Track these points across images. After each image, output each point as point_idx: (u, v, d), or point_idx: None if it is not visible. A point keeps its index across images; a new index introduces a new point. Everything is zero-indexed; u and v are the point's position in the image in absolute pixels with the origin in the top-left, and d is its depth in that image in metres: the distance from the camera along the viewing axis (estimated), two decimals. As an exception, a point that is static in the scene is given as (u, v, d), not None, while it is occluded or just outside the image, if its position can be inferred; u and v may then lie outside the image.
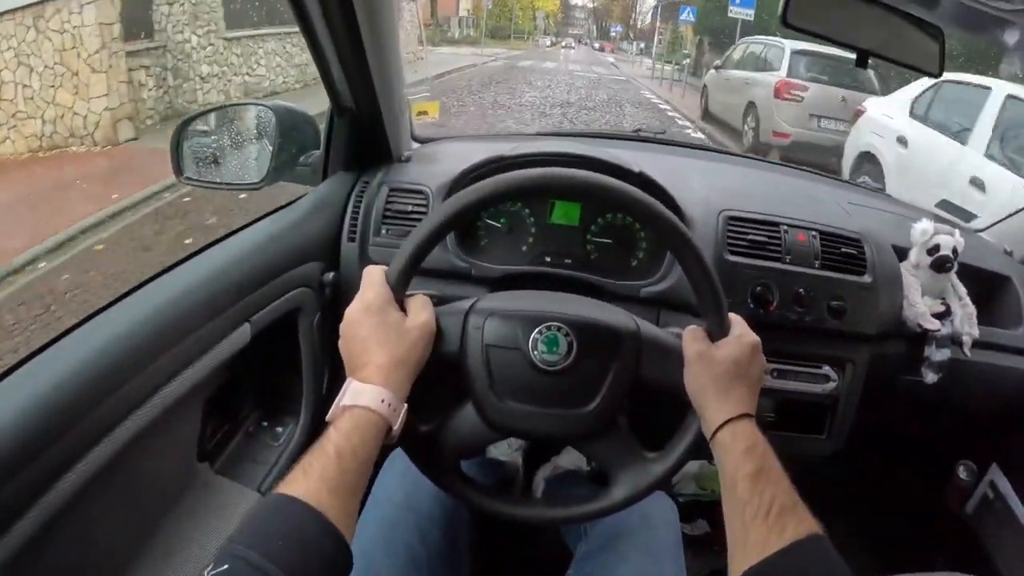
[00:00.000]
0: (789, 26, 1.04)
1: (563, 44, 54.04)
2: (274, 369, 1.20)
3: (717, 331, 0.77)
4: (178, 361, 0.87)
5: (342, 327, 0.74)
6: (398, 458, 1.00)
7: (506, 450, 1.56)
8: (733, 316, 0.80)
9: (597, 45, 61.95)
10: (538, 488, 1.48)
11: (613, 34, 61.28)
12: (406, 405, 0.71)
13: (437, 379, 0.78)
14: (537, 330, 0.77)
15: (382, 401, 0.67)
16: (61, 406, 0.71)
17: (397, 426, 0.69)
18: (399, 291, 0.75)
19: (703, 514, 1.57)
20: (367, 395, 0.67)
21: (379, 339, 0.71)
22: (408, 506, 0.96)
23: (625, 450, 0.81)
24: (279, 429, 1.17)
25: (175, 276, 0.96)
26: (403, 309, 0.75)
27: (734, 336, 0.77)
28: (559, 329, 0.77)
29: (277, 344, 1.16)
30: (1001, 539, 1.43)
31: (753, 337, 0.79)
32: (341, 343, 0.74)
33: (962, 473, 1.52)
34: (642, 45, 49.66)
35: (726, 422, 0.72)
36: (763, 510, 0.65)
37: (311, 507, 0.58)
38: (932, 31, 1.08)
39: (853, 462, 1.37)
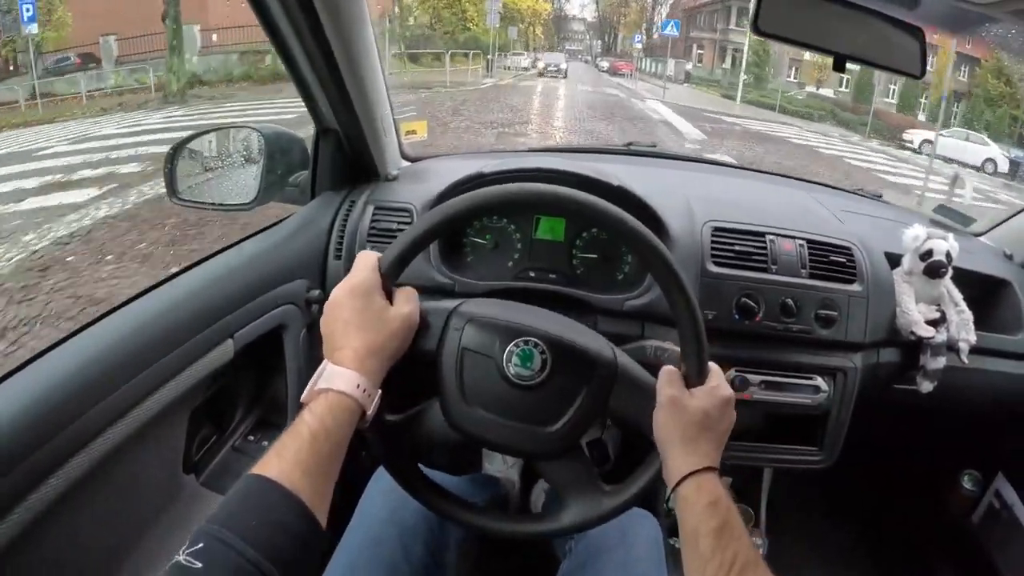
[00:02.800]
0: (761, 34, 1.03)
1: (544, 67, 30.18)
2: (261, 384, 1.22)
3: (694, 378, 0.76)
4: (161, 375, 0.90)
5: (326, 306, 0.74)
6: (383, 475, 1.00)
7: (501, 466, 1.55)
8: (712, 366, 0.78)
9: (605, 64, 40.28)
10: (538, 502, 1.48)
11: (638, 44, 39.26)
12: (380, 391, 0.71)
13: (411, 373, 0.78)
14: (514, 342, 0.77)
15: (357, 386, 0.67)
16: (45, 415, 0.73)
17: (371, 411, 0.69)
18: (389, 279, 0.75)
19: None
20: (342, 379, 0.67)
21: (360, 323, 0.71)
22: (392, 521, 0.96)
23: (582, 477, 0.80)
24: (265, 443, 1.19)
25: (162, 292, 0.99)
26: (390, 298, 0.75)
27: (709, 387, 0.76)
28: (535, 345, 0.76)
29: (265, 359, 1.18)
30: (1008, 550, 1.39)
31: (728, 391, 0.77)
32: (322, 322, 0.74)
33: (967, 483, 1.48)
34: (687, 67, 34.07)
35: (690, 474, 0.71)
36: (725, 568, 0.64)
37: (285, 488, 0.58)
38: (912, 31, 1.07)
39: (854, 473, 1.34)
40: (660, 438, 0.75)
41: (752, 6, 1.03)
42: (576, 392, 0.77)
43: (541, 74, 30.06)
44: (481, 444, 0.80)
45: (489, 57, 27.41)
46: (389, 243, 1.19)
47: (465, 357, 0.77)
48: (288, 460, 0.60)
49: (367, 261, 0.75)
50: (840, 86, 25.23)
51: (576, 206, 0.75)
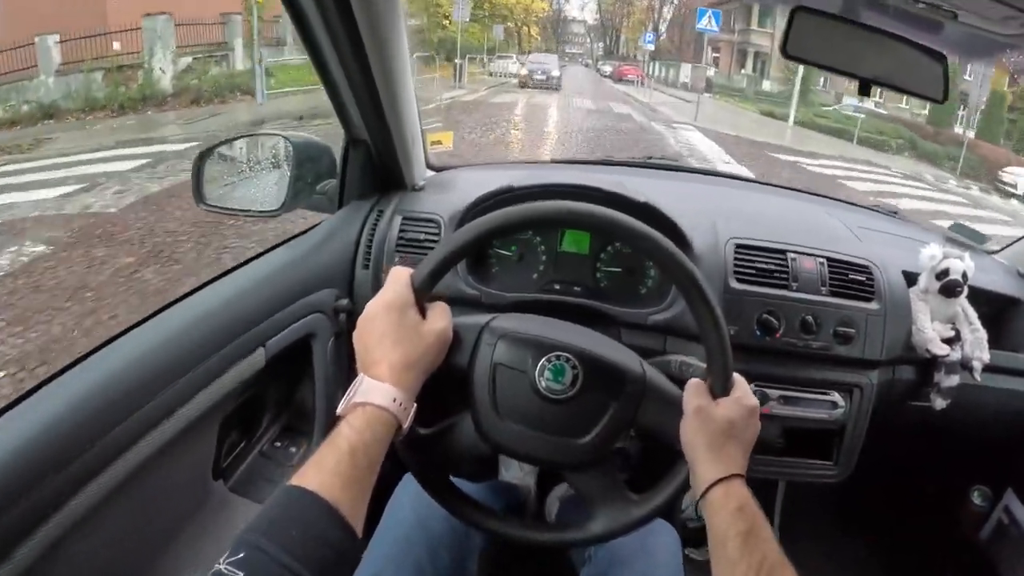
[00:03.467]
0: (790, 57, 1.05)
1: (528, 74, 22.34)
2: (289, 392, 1.24)
3: (720, 389, 0.78)
4: (195, 384, 0.91)
5: (360, 320, 0.74)
6: (410, 481, 1.02)
7: (518, 473, 1.57)
8: (737, 377, 0.81)
9: (608, 69, 34.35)
10: (552, 510, 1.49)
11: (649, 44, 32.56)
12: (415, 405, 0.72)
13: (443, 387, 0.80)
14: (546, 357, 0.78)
15: (394, 400, 0.68)
16: (81, 424, 0.75)
17: (406, 424, 0.70)
18: (422, 295, 0.75)
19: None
20: (379, 393, 0.68)
21: (395, 338, 0.72)
22: (420, 527, 0.98)
23: (610, 487, 0.83)
24: (292, 449, 1.21)
25: (194, 301, 1.01)
26: (424, 313, 0.76)
27: (734, 397, 0.78)
28: (567, 360, 0.78)
29: (292, 367, 1.20)
30: (1017, 566, 1.42)
31: (753, 400, 0.80)
32: (356, 336, 0.74)
33: (976, 499, 1.50)
34: (710, 72, 26.68)
35: (718, 480, 0.73)
36: (753, 569, 0.66)
37: (325, 500, 0.59)
38: (935, 57, 1.09)
39: (865, 488, 1.36)
40: (688, 447, 0.77)
41: (781, 31, 1.05)
42: (606, 406, 0.79)
43: (524, 84, 21.74)
44: (513, 456, 0.82)
45: (457, 61, 20.30)
46: (417, 254, 1.23)
47: (498, 372, 0.79)
48: (328, 472, 0.61)
49: (400, 276, 0.76)
50: (878, 96, 20.11)
51: (607, 225, 0.77)
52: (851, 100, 20.96)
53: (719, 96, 25.24)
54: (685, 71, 27.47)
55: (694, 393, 0.78)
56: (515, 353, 0.79)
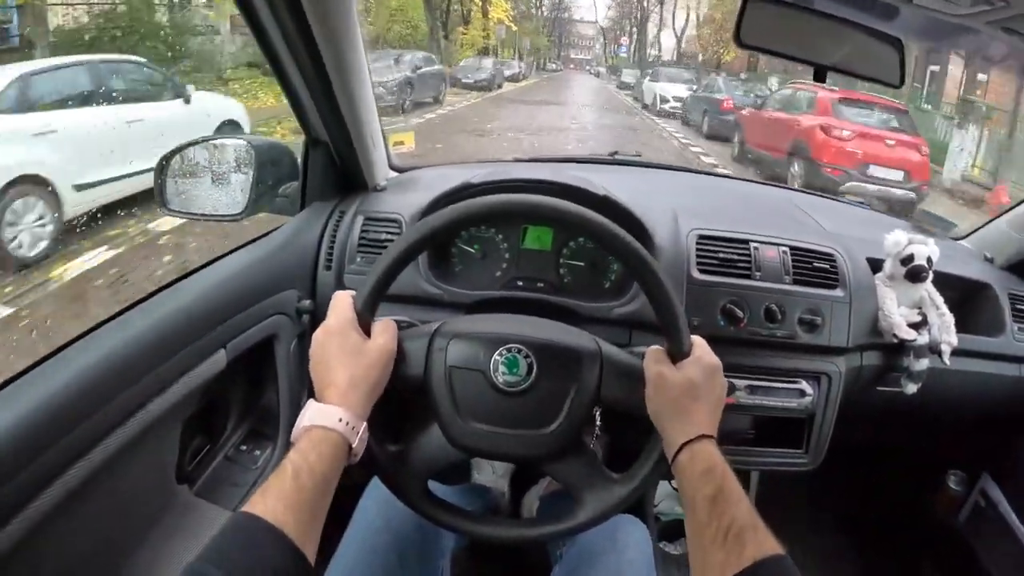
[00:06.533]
0: (744, 46, 1.05)
1: None
2: (253, 394, 1.23)
3: (678, 352, 0.78)
4: (154, 387, 0.90)
5: (311, 351, 0.77)
6: (377, 485, 1.01)
7: (491, 476, 1.56)
8: (695, 338, 0.80)
9: (655, 96, 17.05)
10: (531, 508, 1.49)
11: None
12: (365, 424, 0.73)
13: (406, 402, 0.80)
14: (498, 352, 0.79)
15: (339, 420, 0.70)
16: (39, 427, 0.74)
17: (356, 443, 0.71)
18: (365, 316, 0.77)
19: (685, 533, 1.55)
20: (324, 414, 0.70)
21: (339, 360, 0.74)
22: (388, 530, 0.97)
23: (589, 471, 0.82)
24: (257, 452, 1.19)
25: (154, 303, 0.99)
26: (368, 332, 0.78)
27: (694, 357, 0.78)
28: (519, 351, 0.78)
29: (256, 370, 1.19)
30: (994, 548, 1.42)
31: (713, 359, 0.80)
32: (310, 366, 0.77)
33: (952, 483, 1.50)
34: None
35: (685, 444, 0.73)
36: (721, 533, 0.66)
37: (267, 522, 0.60)
38: (891, 42, 1.09)
39: (840, 475, 1.36)
40: (653, 415, 0.77)
41: (735, 19, 1.05)
42: (567, 389, 0.79)
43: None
44: (484, 457, 0.82)
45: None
46: (378, 254, 1.22)
47: (454, 375, 0.79)
48: (272, 496, 0.63)
49: (342, 301, 0.78)
50: None
51: (531, 211, 0.78)
52: None
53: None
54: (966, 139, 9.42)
55: (653, 359, 0.79)
56: (468, 353, 0.80)
